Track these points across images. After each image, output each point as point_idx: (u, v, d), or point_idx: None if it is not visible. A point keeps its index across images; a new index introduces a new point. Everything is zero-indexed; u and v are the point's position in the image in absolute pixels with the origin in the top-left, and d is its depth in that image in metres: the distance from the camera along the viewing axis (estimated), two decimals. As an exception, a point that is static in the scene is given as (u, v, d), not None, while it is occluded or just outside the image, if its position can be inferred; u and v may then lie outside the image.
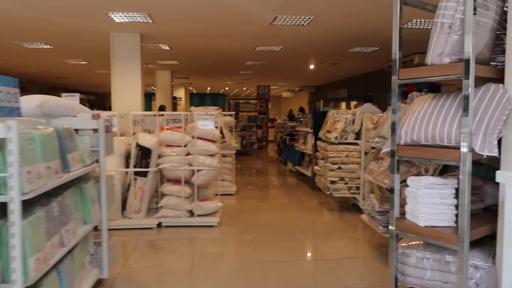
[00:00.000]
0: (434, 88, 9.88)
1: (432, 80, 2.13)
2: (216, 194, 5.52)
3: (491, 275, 2.19)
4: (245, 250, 4.12)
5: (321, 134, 6.03)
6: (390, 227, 2.35)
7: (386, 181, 3.64)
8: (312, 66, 12.00)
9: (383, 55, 9.42)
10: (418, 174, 3.57)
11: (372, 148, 5.04)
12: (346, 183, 5.46)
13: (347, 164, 5.43)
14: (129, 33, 7.05)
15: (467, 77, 1.95)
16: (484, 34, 2.10)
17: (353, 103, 14.55)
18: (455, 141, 2.06)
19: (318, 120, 6.60)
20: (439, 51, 2.10)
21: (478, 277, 2.18)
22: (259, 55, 9.75)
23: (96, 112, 3.25)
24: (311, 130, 7.04)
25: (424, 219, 2.21)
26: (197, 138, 4.92)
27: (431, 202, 2.21)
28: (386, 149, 2.40)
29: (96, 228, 3.06)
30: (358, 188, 5.47)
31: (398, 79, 2.27)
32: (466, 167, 1.98)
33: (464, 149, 1.98)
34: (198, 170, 4.86)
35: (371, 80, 13.30)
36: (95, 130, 3.04)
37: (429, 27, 6.68)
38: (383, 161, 4.07)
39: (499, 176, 1.95)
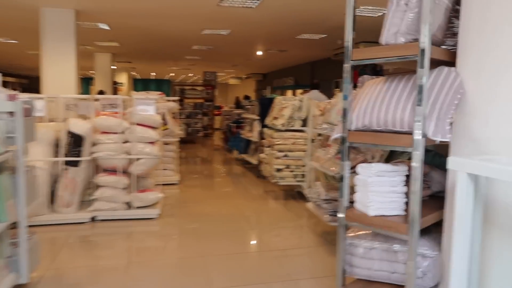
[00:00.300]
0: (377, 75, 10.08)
1: (386, 60, 2.00)
2: (158, 184, 5.20)
3: (438, 264, 2.15)
4: (187, 242, 3.89)
5: (267, 121, 5.89)
6: (339, 216, 2.23)
7: (332, 168, 3.56)
8: (260, 53, 11.84)
9: (330, 43, 9.45)
10: (364, 161, 3.52)
11: (319, 135, 4.97)
12: (292, 171, 5.37)
13: (293, 151, 5.34)
14: (62, 9, 6.43)
15: (422, 66, 1.84)
16: (439, 14, 2.01)
17: (299, 91, 14.66)
18: (408, 126, 1.96)
19: (265, 106, 6.45)
20: (395, 30, 1.98)
21: (425, 266, 2.12)
22: (206, 39, 9.40)
23: (12, 92, 2.83)
24: (258, 117, 6.89)
25: (374, 208, 2.11)
26: (136, 124, 4.56)
27: (381, 190, 2.11)
28: (336, 134, 2.27)
29: (14, 226, 2.68)
30: (304, 176, 5.40)
31: (351, 60, 2.13)
32: (419, 154, 1.89)
33: (417, 136, 1.88)
34: (137, 159, 4.52)
35: (318, 68, 13.41)
36: (12, 114, 2.64)
37: (376, 15, 6.73)
38: (330, 148, 4.00)
39: (451, 162, 1.88)
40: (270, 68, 17.06)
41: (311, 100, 5.32)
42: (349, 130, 2.17)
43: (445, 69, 2.06)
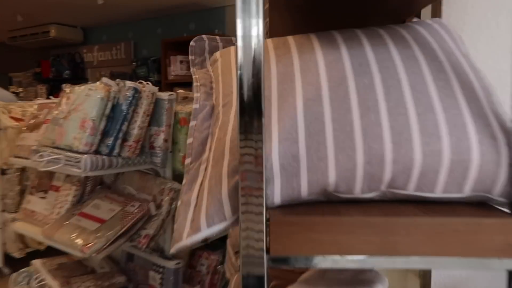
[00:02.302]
0: (78, 72, 8.09)
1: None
2: None
3: None
4: None
5: None
6: None
7: (77, 239, 1.74)
8: None
9: (4, 20, 6.76)
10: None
11: (16, 166, 2.84)
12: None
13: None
14: None
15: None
16: None
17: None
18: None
19: None
20: None
21: None
22: None
23: None
24: None
25: None
26: None
27: None
28: (205, 231, 0.61)
29: None
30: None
31: None
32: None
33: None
34: None
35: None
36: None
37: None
38: (58, 193, 2.09)
39: None
40: None
41: (-6, 101, 3.03)
42: (268, 208, 0.58)
43: (430, 22, 0.82)
